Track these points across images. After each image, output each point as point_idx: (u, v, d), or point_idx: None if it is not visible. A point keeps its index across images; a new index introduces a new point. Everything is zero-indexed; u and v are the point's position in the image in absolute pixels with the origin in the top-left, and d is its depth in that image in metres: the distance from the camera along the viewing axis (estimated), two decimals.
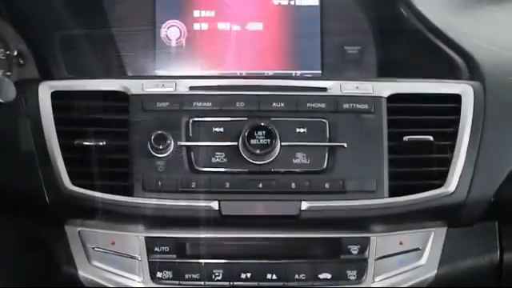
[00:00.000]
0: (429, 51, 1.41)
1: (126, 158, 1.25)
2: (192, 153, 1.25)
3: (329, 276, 1.28)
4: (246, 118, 1.25)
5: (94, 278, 1.28)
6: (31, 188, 1.24)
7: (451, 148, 1.28)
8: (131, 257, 1.27)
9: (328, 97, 1.28)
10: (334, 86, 1.29)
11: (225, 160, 1.24)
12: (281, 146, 1.24)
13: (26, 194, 1.25)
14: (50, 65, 1.42)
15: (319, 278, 1.28)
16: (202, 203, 1.24)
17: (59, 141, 1.24)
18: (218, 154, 1.25)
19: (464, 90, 1.30)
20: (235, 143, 1.24)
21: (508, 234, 1.36)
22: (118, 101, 1.27)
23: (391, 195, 1.26)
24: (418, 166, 1.27)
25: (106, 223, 1.27)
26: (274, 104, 1.27)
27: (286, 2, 1.54)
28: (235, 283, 1.27)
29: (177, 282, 1.27)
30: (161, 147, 1.23)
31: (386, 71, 1.52)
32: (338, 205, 1.25)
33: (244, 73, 1.50)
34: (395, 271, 1.30)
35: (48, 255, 1.28)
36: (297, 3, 1.54)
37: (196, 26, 1.53)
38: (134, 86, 1.27)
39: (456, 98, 1.30)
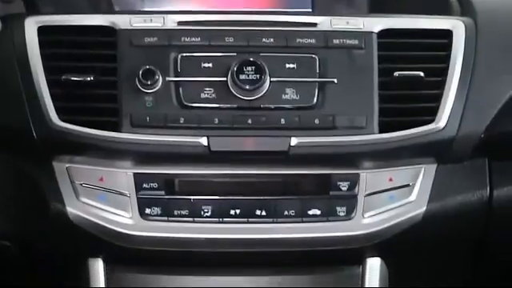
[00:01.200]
0: None
1: (113, 93, 1.23)
2: (181, 88, 1.23)
3: (318, 212, 1.28)
4: (235, 54, 1.24)
5: (82, 214, 1.27)
6: (18, 123, 1.23)
7: (442, 84, 1.27)
8: (120, 193, 1.26)
9: (318, 32, 1.27)
10: (324, 22, 1.28)
11: (214, 96, 1.23)
12: (270, 81, 1.23)
13: (13, 129, 1.24)
14: (37, 1, 1.40)
15: (308, 214, 1.28)
16: (191, 139, 1.23)
17: (46, 76, 1.23)
18: (207, 89, 1.24)
19: (455, 25, 1.29)
20: (224, 79, 1.23)
21: (498, 170, 1.36)
22: (106, 36, 1.26)
23: (381, 131, 1.26)
24: (408, 101, 1.26)
25: (93, 159, 1.26)
26: (264, 40, 1.26)
27: None
28: (224, 219, 1.27)
29: (165, 218, 1.26)
30: (149, 83, 1.22)
31: (377, 8, 1.50)
32: (328, 141, 1.24)
33: (234, 10, 1.48)
34: (385, 207, 1.30)
35: (35, 192, 1.27)
36: None
37: None
38: (122, 21, 1.26)
39: (447, 34, 1.29)
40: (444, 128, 1.26)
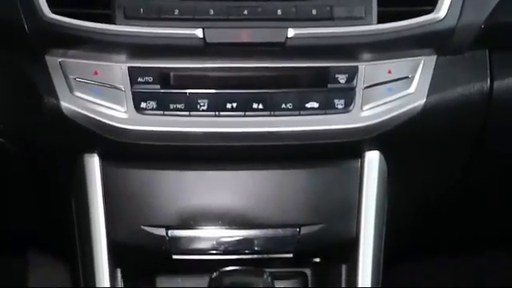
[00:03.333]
0: None
1: None
2: None
3: (316, 105, 1.27)
4: None
5: (77, 108, 1.25)
6: (9, 15, 1.20)
7: None
8: (114, 87, 1.24)
9: None
10: None
11: None
12: None
13: (3, 22, 1.21)
14: None
15: (306, 107, 1.26)
16: (186, 31, 1.20)
17: None
18: None
19: None
20: None
21: (498, 62, 1.34)
22: None
23: (380, 22, 1.23)
24: None
25: (87, 53, 1.24)
26: None
27: None
28: (221, 113, 1.25)
29: (161, 112, 1.25)
30: None
31: None
32: (326, 31, 1.22)
33: None
34: (383, 100, 1.28)
35: (29, 87, 1.25)
36: None
37: None
38: None
39: None
40: (444, 18, 1.23)
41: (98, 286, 1.37)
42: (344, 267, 1.43)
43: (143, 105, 1.24)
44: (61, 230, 1.47)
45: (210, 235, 1.36)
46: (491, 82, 1.32)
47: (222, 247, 1.35)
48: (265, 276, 1.21)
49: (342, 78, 1.26)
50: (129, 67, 1.24)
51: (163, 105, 1.24)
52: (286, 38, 1.21)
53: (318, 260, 1.47)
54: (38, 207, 1.51)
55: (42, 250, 2.12)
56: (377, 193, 1.37)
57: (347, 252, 1.39)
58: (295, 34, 1.21)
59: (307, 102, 1.26)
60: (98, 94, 1.25)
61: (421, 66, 1.29)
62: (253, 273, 1.23)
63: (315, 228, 1.36)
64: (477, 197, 1.60)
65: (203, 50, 1.21)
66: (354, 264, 1.39)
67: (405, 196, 1.44)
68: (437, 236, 1.77)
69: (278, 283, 1.40)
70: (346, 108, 1.27)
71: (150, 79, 1.24)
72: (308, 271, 1.58)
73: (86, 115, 1.25)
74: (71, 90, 1.25)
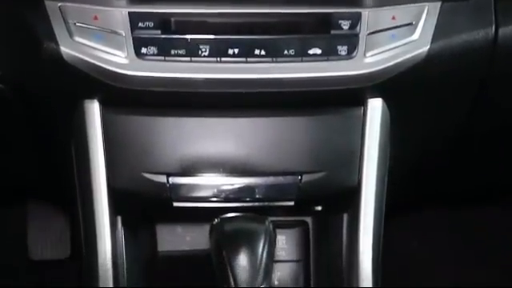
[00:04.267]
0: None
1: None
2: None
3: (318, 51, 1.25)
4: None
5: (77, 53, 1.23)
6: None
7: None
8: (114, 32, 1.23)
9: None
10: None
11: None
12: None
13: None
14: None
15: (308, 54, 1.25)
16: None
17: None
18: None
19: None
20: None
21: (503, 9, 1.32)
22: None
23: None
24: None
25: None
26: None
27: None
28: (222, 59, 1.24)
29: (162, 57, 1.23)
30: None
31: None
32: None
33: None
34: (387, 46, 1.26)
35: (28, 33, 1.24)
36: None
37: None
38: None
39: None
40: None
41: (98, 233, 1.36)
42: (345, 216, 1.43)
43: (144, 50, 1.23)
44: (61, 178, 1.46)
45: (211, 183, 1.35)
46: (496, 29, 1.31)
47: (223, 195, 1.35)
48: (266, 223, 1.21)
49: (345, 24, 1.25)
50: (129, 12, 1.22)
51: (164, 50, 1.23)
52: None
53: (319, 208, 1.47)
54: (37, 155, 1.50)
55: (41, 199, 2.12)
56: (379, 141, 1.36)
57: (349, 200, 1.39)
58: None
59: (310, 49, 1.24)
60: (99, 39, 1.23)
61: (425, 12, 1.27)
62: (254, 219, 1.22)
63: (317, 176, 1.35)
64: (478, 146, 1.59)
65: None
66: (356, 212, 1.39)
67: (407, 144, 1.43)
68: (438, 186, 1.77)
69: (279, 232, 1.40)
70: (349, 54, 1.25)
71: (151, 24, 1.23)
72: (309, 220, 1.58)
73: (85, 60, 1.23)
74: (71, 35, 1.23)
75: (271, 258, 1.18)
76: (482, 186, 1.85)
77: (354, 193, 1.38)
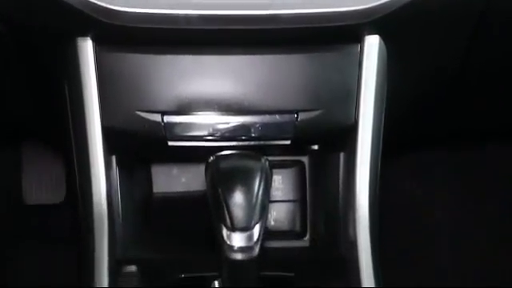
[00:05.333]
0: None
1: None
2: None
3: None
4: None
5: None
6: None
7: None
8: None
9: None
10: None
11: None
12: None
13: None
14: None
15: None
16: None
17: None
18: None
19: None
20: None
21: None
22: None
23: None
24: None
25: None
26: None
27: None
28: None
29: None
30: None
31: None
32: None
33: None
34: None
35: None
36: None
37: None
38: None
39: None
40: None
41: (92, 173, 1.35)
42: (342, 154, 1.42)
43: None
44: (55, 118, 1.45)
45: (206, 121, 1.33)
46: None
47: (219, 133, 1.33)
48: (262, 160, 1.19)
49: None
50: None
51: None
52: None
53: (315, 147, 1.46)
54: (31, 94, 1.48)
55: (36, 141, 2.11)
56: (376, 78, 1.34)
57: (345, 138, 1.38)
58: None
59: None
60: None
61: None
62: (250, 157, 1.21)
63: (313, 114, 1.34)
64: (476, 83, 1.57)
65: None
66: (353, 151, 1.38)
67: (405, 82, 1.41)
68: (437, 125, 1.76)
69: (275, 172, 1.39)
70: None
71: None
72: (305, 159, 1.57)
73: None
74: None
75: (267, 196, 1.17)
76: (482, 125, 1.84)
77: (351, 131, 1.36)
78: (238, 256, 1.14)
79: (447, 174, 2.28)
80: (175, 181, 1.62)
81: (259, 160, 1.18)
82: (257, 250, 1.14)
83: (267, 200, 1.17)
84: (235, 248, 1.13)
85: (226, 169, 1.17)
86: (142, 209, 1.54)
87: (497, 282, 2.18)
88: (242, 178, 1.16)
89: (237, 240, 1.13)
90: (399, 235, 2.17)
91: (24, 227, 2.27)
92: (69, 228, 1.93)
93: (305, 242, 1.56)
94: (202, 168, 1.27)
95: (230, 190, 1.14)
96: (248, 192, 1.14)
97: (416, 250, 2.23)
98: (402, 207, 2.22)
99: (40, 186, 2.25)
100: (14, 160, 2.24)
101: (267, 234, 1.29)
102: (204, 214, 1.25)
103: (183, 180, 1.62)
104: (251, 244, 1.13)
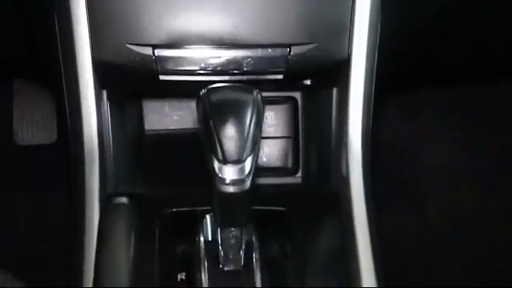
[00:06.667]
0: None
1: None
2: None
3: None
4: None
5: None
6: None
7: None
8: None
9: None
10: None
11: None
12: None
13: None
14: None
15: None
16: None
17: None
18: None
19: None
20: None
21: None
22: None
23: None
24: None
25: None
26: None
27: None
28: None
29: None
30: None
31: None
32: None
33: None
34: None
35: None
36: None
37: None
38: None
39: None
40: None
41: (83, 107, 1.34)
42: (335, 90, 1.41)
43: None
44: (45, 52, 1.43)
45: (198, 55, 1.32)
46: None
47: (211, 67, 1.32)
48: (254, 93, 1.18)
49: None
50: None
51: None
52: None
53: (308, 82, 1.44)
54: (20, 29, 1.46)
55: (27, 79, 2.09)
56: (370, 12, 1.33)
57: (338, 73, 1.36)
58: None
59: None
60: None
61: None
62: (242, 89, 1.19)
63: (306, 47, 1.32)
64: (469, 20, 1.55)
65: None
66: (346, 86, 1.37)
67: (397, 17, 1.39)
68: (428, 63, 1.74)
69: (267, 108, 1.37)
70: None
71: None
72: (298, 96, 1.56)
73: None
74: None
75: (259, 129, 1.16)
76: (479, 60, 1.82)
77: (344, 66, 1.35)
78: (230, 189, 1.13)
79: (437, 113, 2.28)
80: (167, 118, 1.61)
81: (251, 92, 1.17)
82: (248, 183, 1.13)
83: (259, 133, 1.16)
84: (227, 181, 1.12)
85: (217, 101, 1.16)
86: (133, 146, 1.52)
87: (487, 218, 2.19)
88: (234, 110, 1.15)
89: (228, 173, 1.12)
90: (389, 175, 2.18)
91: (15, 168, 2.26)
92: (60, 169, 1.92)
93: (297, 178, 1.55)
94: (193, 105, 1.26)
95: (221, 123, 1.13)
96: (240, 124, 1.13)
97: (410, 190, 2.23)
98: (393, 146, 2.22)
99: (31, 127, 2.23)
100: (4, 100, 2.22)
101: (259, 170, 1.28)
102: (196, 151, 1.24)
103: (175, 118, 1.61)
104: (243, 177, 1.12)
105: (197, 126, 1.21)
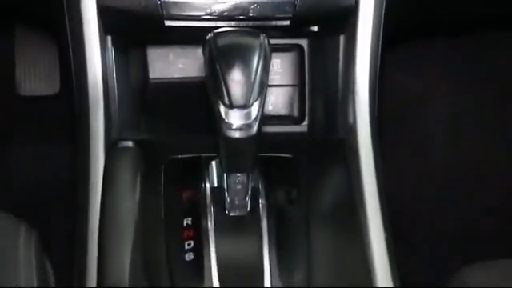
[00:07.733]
0: None
1: None
2: None
3: None
4: None
5: None
6: None
7: None
8: None
9: None
10: None
11: None
12: None
13: None
14: None
15: None
16: None
17: None
18: None
19: None
20: None
21: None
22: None
23: None
24: None
25: None
26: None
27: None
28: None
29: None
30: None
31: None
32: None
33: None
34: None
35: None
36: None
37: None
38: None
39: None
40: None
41: (87, 52, 1.32)
42: (342, 37, 1.39)
43: None
44: None
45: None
46: None
47: (217, 12, 1.30)
48: (261, 37, 1.16)
49: None
50: None
51: None
52: None
53: (315, 29, 1.42)
54: None
55: (29, 27, 2.07)
56: None
57: (346, 21, 1.35)
58: None
59: None
60: None
61: None
62: (249, 33, 1.17)
63: None
64: None
65: None
66: (353, 35, 1.35)
67: None
68: (436, 13, 1.72)
69: (274, 55, 1.35)
70: None
71: None
72: (305, 43, 1.54)
73: None
74: None
75: (266, 73, 1.14)
76: (482, 11, 1.80)
77: (352, 13, 1.33)
78: (236, 134, 1.12)
79: (442, 65, 2.27)
80: (172, 67, 1.60)
81: (258, 37, 1.15)
82: (255, 128, 1.12)
83: (266, 78, 1.14)
84: (233, 126, 1.11)
85: (224, 45, 1.14)
86: (138, 93, 1.51)
87: (490, 169, 2.19)
88: (241, 54, 1.13)
89: (235, 117, 1.11)
90: (397, 128, 2.17)
91: (17, 119, 2.25)
92: (64, 120, 1.91)
93: (303, 126, 1.54)
94: (199, 53, 1.24)
95: (228, 67, 1.11)
96: (247, 68, 1.11)
97: (415, 141, 2.23)
98: (399, 100, 2.21)
99: (34, 77, 2.22)
100: (6, 48, 2.21)
101: (265, 118, 1.27)
102: (201, 99, 1.23)
103: (180, 66, 1.60)
104: (249, 122, 1.11)
105: (202, 74, 1.19)
